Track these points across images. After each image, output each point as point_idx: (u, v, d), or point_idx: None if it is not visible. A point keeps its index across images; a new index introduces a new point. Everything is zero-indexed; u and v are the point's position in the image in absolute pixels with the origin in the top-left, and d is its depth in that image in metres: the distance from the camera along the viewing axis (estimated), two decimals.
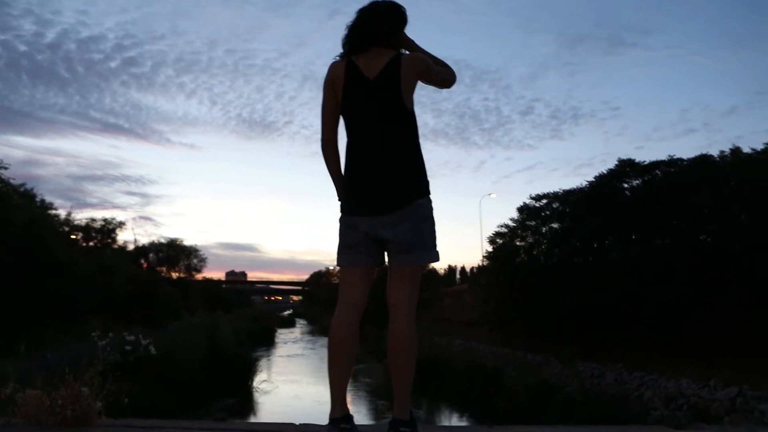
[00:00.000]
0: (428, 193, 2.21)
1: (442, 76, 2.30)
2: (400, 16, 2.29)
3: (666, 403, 13.86)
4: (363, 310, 2.19)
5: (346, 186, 2.23)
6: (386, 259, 2.23)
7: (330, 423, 1.98)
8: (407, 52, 2.27)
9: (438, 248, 2.18)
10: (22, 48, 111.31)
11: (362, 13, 2.26)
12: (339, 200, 2.29)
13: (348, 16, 2.34)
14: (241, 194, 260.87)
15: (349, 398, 2.07)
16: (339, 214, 2.25)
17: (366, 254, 2.16)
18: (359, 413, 14.28)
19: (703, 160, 20.10)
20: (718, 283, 15.16)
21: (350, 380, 2.14)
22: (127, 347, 2.46)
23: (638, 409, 13.61)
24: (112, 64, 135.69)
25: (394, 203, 2.07)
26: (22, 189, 23.88)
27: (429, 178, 2.24)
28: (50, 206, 27.21)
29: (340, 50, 2.30)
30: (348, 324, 2.11)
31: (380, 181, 2.10)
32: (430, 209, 2.19)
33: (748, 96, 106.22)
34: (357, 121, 2.21)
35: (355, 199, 2.15)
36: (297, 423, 2.24)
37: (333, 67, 2.24)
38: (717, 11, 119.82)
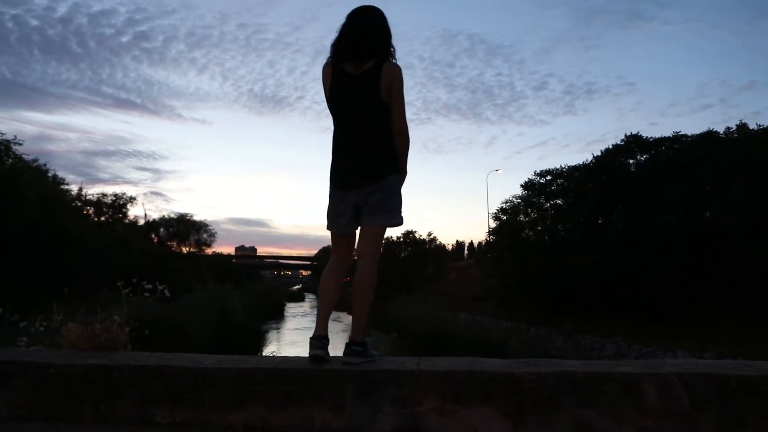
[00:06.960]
0: (398, 170, 2.66)
1: (402, 110, 2.63)
2: (387, 31, 2.66)
3: None
4: (348, 263, 2.78)
5: (333, 163, 2.70)
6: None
7: (312, 338, 2.52)
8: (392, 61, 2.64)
9: (402, 215, 2.67)
10: (34, 23, 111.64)
11: (353, 26, 2.62)
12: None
13: None
14: (252, 169, 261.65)
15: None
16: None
17: (350, 222, 2.66)
18: None
19: (708, 136, 20.17)
20: (716, 258, 15.44)
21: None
22: (146, 294, 2.87)
23: None
24: (124, 39, 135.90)
25: (374, 177, 2.57)
26: (34, 165, 24.34)
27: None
28: (62, 181, 27.81)
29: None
30: (335, 273, 2.71)
31: (363, 160, 2.59)
32: (400, 183, 2.67)
33: (767, 70, 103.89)
34: (343, 111, 2.64)
35: (345, 177, 2.62)
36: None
37: (324, 67, 2.67)
38: None
